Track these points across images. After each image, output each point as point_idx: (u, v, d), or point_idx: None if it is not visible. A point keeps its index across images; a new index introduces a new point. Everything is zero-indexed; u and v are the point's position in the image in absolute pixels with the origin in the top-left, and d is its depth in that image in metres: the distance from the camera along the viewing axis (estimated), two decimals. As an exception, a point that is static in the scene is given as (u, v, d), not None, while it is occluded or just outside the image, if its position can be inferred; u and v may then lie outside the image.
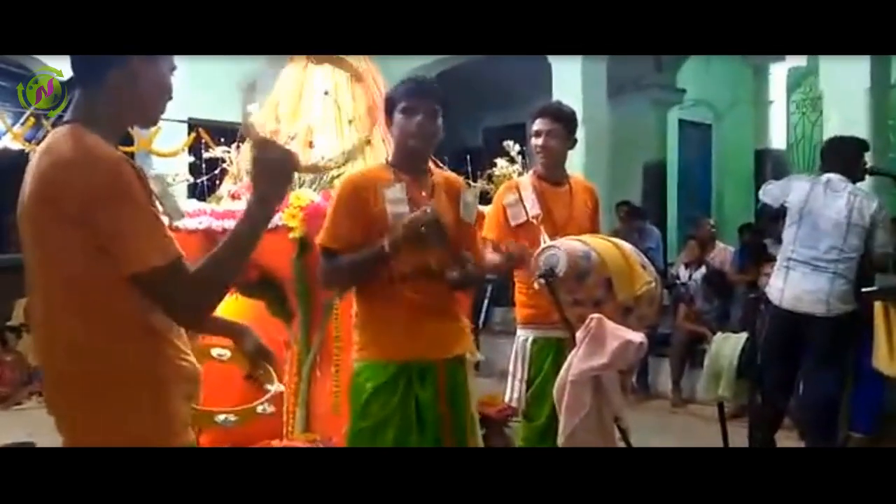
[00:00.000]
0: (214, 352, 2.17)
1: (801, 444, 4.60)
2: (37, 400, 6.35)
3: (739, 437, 4.01)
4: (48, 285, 1.56)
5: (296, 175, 2.16)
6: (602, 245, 2.77)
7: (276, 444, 3.86)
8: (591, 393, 2.47)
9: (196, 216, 3.88)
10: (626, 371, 2.67)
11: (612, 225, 7.38)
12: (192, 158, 5.07)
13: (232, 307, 3.61)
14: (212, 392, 2.04)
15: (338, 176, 4.07)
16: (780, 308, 4.28)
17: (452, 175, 2.88)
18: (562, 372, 2.53)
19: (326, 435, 3.83)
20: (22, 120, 5.21)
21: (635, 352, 2.46)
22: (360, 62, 4.64)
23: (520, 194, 3.27)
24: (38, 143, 3.99)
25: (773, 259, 4.81)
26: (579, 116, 3.44)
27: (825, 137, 5.43)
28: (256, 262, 3.79)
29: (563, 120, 3.29)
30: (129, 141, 4.90)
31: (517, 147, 4.38)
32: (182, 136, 5.87)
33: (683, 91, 9.44)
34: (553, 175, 3.34)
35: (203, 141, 4.90)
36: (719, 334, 5.59)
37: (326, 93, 4.52)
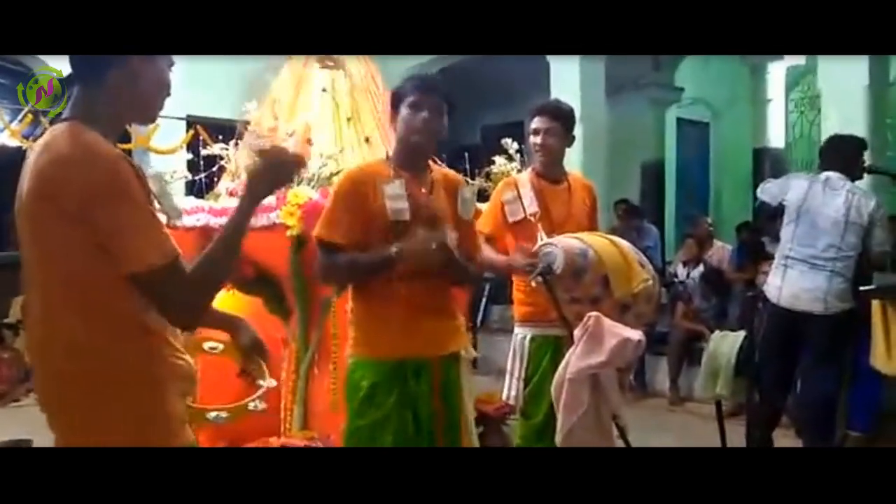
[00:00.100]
0: (207, 345, 2.17)
1: (799, 443, 4.60)
2: (34, 397, 6.34)
3: (737, 435, 4.03)
4: (46, 283, 1.55)
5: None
6: (599, 243, 2.77)
7: (273, 441, 3.85)
8: (589, 391, 2.47)
9: (194, 213, 3.87)
10: (624, 369, 2.66)
11: (611, 223, 7.38)
12: (190, 155, 5.06)
13: (230, 304, 3.60)
14: (204, 388, 2.04)
15: (336, 173, 4.06)
16: (777, 306, 4.28)
17: (451, 172, 2.88)
18: (560, 370, 2.53)
19: (324, 433, 3.83)
20: (20, 117, 5.21)
21: (633, 350, 2.47)
22: (360, 67, 4.65)
23: (518, 192, 3.27)
24: (35, 141, 3.99)
25: (770, 257, 4.81)
26: (577, 115, 3.44)
27: (823, 136, 5.43)
28: (253, 260, 3.79)
29: (562, 118, 3.29)
30: (126, 138, 4.90)
31: (515, 145, 4.37)
32: (180, 134, 5.86)
33: (682, 90, 9.44)
34: (551, 173, 3.34)
35: (201, 138, 4.90)
36: (717, 332, 5.57)
37: (324, 90, 4.52)
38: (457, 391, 2.61)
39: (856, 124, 5.44)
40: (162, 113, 1.75)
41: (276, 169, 1.71)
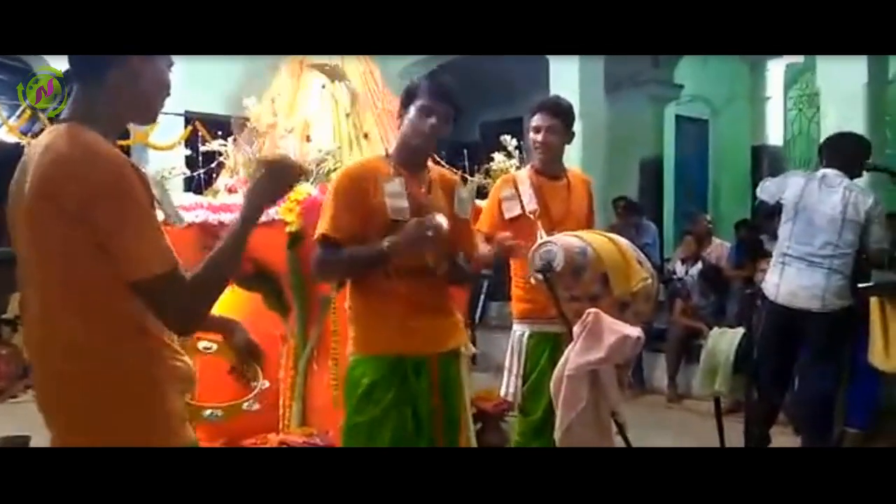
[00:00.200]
0: (201, 345, 2.17)
1: (797, 440, 4.61)
2: (32, 393, 6.33)
3: (735, 432, 4.03)
4: (45, 283, 1.54)
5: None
6: (599, 241, 2.77)
7: (272, 437, 3.86)
8: (587, 387, 2.47)
9: (192, 209, 3.87)
10: (622, 366, 2.66)
11: (609, 220, 7.38)
12: (188, 152, 5.06)
13: (229, 300, 3.60)
14: (200, 386, 2.04)
15: (335, 169, 4.06)
16: (775, 304, 4.28)
17: (447, 171, 2.89)
18: (559, 366, 2.53)
19: (323, 429, 3.84)
20: (18, 113, 5.20)
21: (632, 346, 2.46)
22: (359, 63, 4.65)
23: (517, 189, 3.27)
24: (33, 137, 3.98)
25: (769, 255, 4.81)
26: (576, 111, 3.43)
27: (822, 133, 5.43)
28: (253, 256, 3.79)
29: (562, 115, 3.28)
30: (125, 134, 4.89)
31: (514, 142, 4.37)
32: (179, 130, 5.86)
33: (680, 87, 9.43)
34: (551, 169, 3.33)
35: (199, 134, 4.90)
36: (716, 329, 5.59)
37: (323, 86, 4.52)
38: (456, 388, 2.61)
39: (854, 122, 5.45)
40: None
41: (279, 178, 1.70)
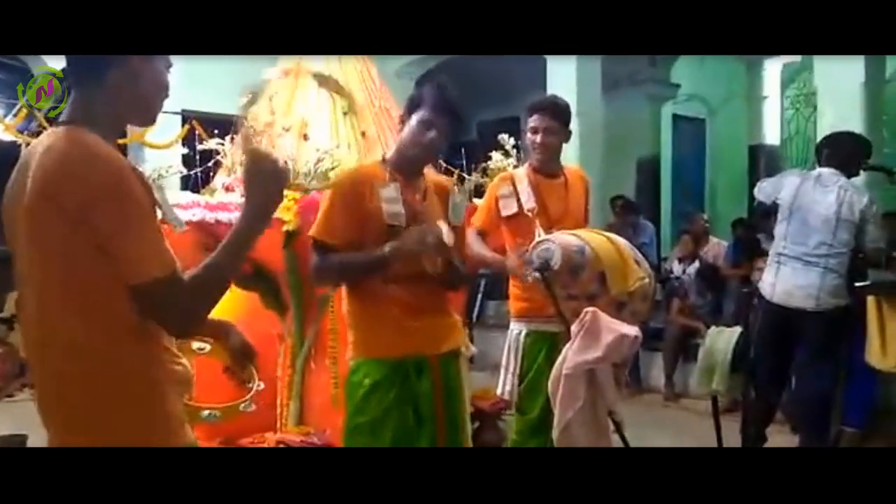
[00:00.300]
0: (195, 345, 2.17)
1: (794, 440, 4.61)
2: (29, 392, 6.33)
3: (732, 431, 4.03)
4: (45, 283, 1.53)
5: (290, 166, 2.16)
6: (596, 240, 2.77)
7: (269, 437, 3.86)
8: (585, 386, 2.47)
9: (189, 208, 3.86)
10: (620, 364, 2.67)
11: (607, 219, 7.39)
12: (185, 150, 5.05)
13: (226, 298, 3.59)
14: (197, 387, 2.04)
15: (332, 169, 4.05)
16: (771, 303, 4.30)
17: (442, 177, 2.91)
18: (556, 365, 2.53)
19: (320, 428, 3.83)
20: (14, 111, 5.18)
21: (630, 345, 2.47)
22: (356, 62, 4.64)
23: (514, 187, 3.27)
24: (30, 135, 3.96)
25: (766, 254, 4.82)
26: (574, 111, 3.44)
27: (819, 133, 5.44)
28: (250, 255, 3.77)
29: (559, 115, 3.29)
30: (122, 133, 4.86)
31: (512, 140, 4.37)
32: (176, 128, 5.85)
33: (678, 86, 9.44)
34: (548, 168, 3.34)
35: (197, 133, 4.89)
36: (713, 328, 5.58)
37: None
38: (458, 388, 2.62)
39: (851, 121, 5.46)
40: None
41: (260, 174, 1.64)
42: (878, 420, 4.78)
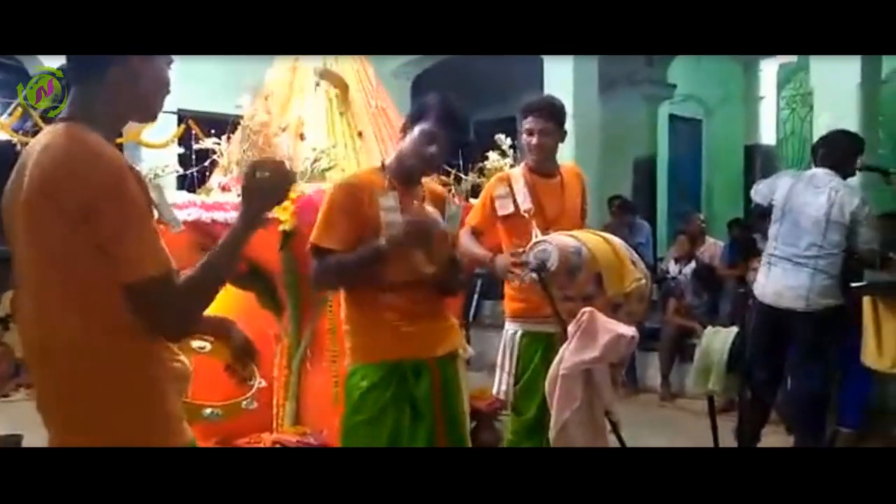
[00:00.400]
0: (195, 344, 2.16)
1: (789, 439, 4.62)
2: (24, 392, 6.32)
3: (728, 431, 4.03)
4: (44, 283, 1.53)
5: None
6: (593, 241, 2.77)
7: (265, 437, 3.85)
8: (582, 386, 2.47)
9: (185, 208, 3.85)
10: (617, 364, 2.67)
11: (604, 220, 7.39)
12: (181, 150, 5.03)
13: (222, 298, 3.58)
14: (197, 385, 2.04)
15: (329, 168, 4.05)
16: (763, 304, 4.32)
17: (437, 187, 2.93)
18: (553, 365, 2.53)
19: (316, 428, 3.83)
20: (10, 110, 5.16)
21: (627, 345, 2.47)
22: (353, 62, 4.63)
23: (511, 188, 3.28)
24: (25, 134, 3.95)
25: (761, 254, 4.83)
26: (570, 111, 3.45)
27: (815, 133, 5.44)
28: (246, 255, 3.77)
29: (555, 117, 3.29)
30: (121, 130, 4.85)
31: (509, 140, 4.37)
32: (172, 128, 5.82)
33: (674, 86, 9.45)
34: (544, 168, 3.34)
35: (193, 132, 4.87)
36: (710, 328, 5.58)
37: (318, 84, 4.50)
38: (456, 390, 2.62)
39: (848, 122, 5.46)
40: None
41: (277, 185, 1.68)
42: (873, 420, 4.78)
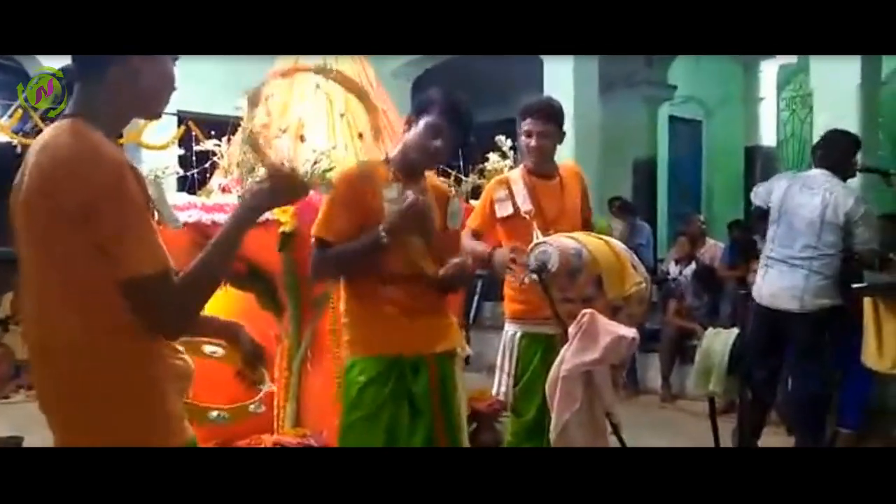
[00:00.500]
0: (207, 349, 2.16)
1: (790, 440, 4.62)
2: (25, 394, 6.32)
3: (728, 432, 4.04)
4: (45, 282, 1.53)
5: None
6: (594, 243, 2.77)
7: (265, 438, 3.85)
8: (582, 388, 2.47)
9: (186, 209, 3.85)
10: (617, 366, 2.67)
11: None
12: (182, 151, 5.03)
13: (222, 300, 3.59)
14: (203, 388, 2.03)
15: (329, 170, 4.04)
16: (760, 305, 4.34)
17: (441, 183, 2.92)
18: (554, 367, 2.53)
19: (317, 429, 3.83)
20: (10, 112, 5.17)
21: (627, 347, 2.47)
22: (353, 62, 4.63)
23: (510, 190, 3.28)
24: (25, 136, 3.94)
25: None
26: (571, 112, 3.46)
27: (815, 134, 5.44)
28: (246, 256, 3.77)
29: (553, 119, 3.29)
30: (123, 128, 4.84)
31: (509, 142, 4.37)
32: (172, 129, 5.82)
33: (674, 87, 9.45)
34: (543, 169, 3.34)
35: (193, 134, 4.87)
36: (710, 330, 5.58)
37: (318, 86, 4.50)
38: (453, 388, 2.62)
39: (847, 123, 5.45)
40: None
41: (284, 191, 1.71)
42: (874, 421, 4.77)
